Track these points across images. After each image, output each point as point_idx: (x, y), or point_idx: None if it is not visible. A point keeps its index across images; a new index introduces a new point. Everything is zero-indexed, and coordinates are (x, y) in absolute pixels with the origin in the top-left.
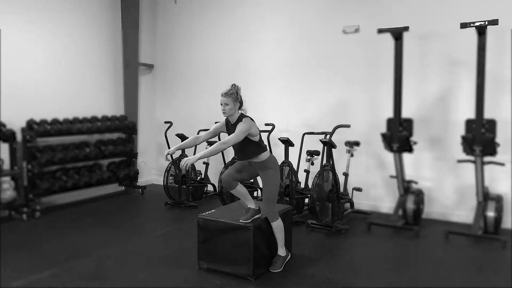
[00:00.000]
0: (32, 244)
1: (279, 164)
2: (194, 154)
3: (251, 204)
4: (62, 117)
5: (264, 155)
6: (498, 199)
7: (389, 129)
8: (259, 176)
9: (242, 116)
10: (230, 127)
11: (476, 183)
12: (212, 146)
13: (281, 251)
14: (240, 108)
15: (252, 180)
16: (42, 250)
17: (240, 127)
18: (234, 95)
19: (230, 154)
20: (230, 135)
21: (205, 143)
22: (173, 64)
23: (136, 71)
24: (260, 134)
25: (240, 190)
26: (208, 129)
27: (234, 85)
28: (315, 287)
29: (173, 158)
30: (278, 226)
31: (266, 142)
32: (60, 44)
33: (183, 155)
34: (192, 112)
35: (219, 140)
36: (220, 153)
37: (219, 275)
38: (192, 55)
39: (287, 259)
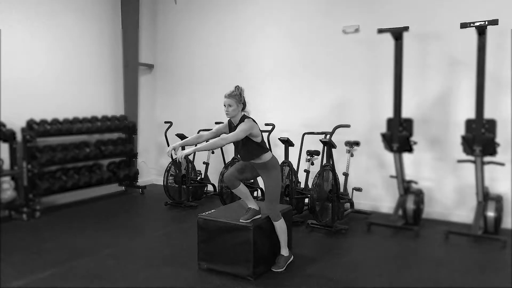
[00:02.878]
0: (32, 244)
1: (279, 164)
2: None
3: (252, 204)
4: (62, 117)
5: (266, 156)
6: (498, 199)
7: (389, 129)
8: (259, 177)
9: (244, 117)
10: (232, 128)
11: (476, 183)
12: (211, 140)
13: (284, 251)
14: (243, 109)
15: (252, 180)
16: (42, 250)
17: (241, 127)
18: (237, 97)
19: (230, 154)
20: (231, 133)
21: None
22: (173, 64)
23: (136, 71)
24: (262, 135)
25: (242, 189)
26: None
27: (237, 87)
28: (315, 287)
29: (173, 158)
30: (280, 226)
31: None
32: (60, 44)
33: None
34: (192, 112)
35: None
36: (220, 153)
37: (219, 275)
38: (192, 55)
39: (290, 260)
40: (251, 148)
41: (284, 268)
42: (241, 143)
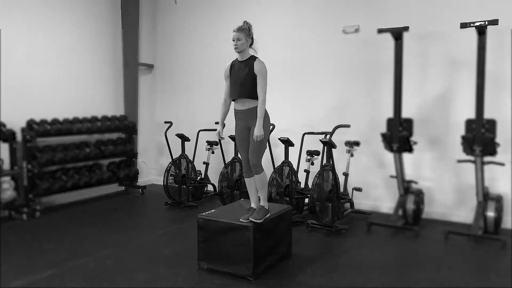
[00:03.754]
0: (32, 244)
1: (279, 164)
2: (194, 153)
3: (255, 205)
4: (62, 117)
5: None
6: (498, 199)
7: (389, 129)
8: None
9: (254, 57)
10: (237, 66)
11: (476, 183)
12: (259, 110)
13: (265, 203)
14: (251, 45)
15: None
16: (42, 250)
17: (262, 73)
18: (246, 31)
19: (230, 154)
20: (259, 90)
21: (204, 143)
22: (173, 64)
23: (136, 71)
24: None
25: (253, 183)
26: (209, 129)
27: (246, 22)
28: (315, 287)
29: (173, 158)
30: (262, 178)
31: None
32: (60, 44)
33: (182, 155)
34: (192, 112)
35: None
36: (220, 153)
37: (219, 275)
38: (192, 55)
39: (268, 214)
40: (252, 87)
41: (262, 220)
42: (246, 79)
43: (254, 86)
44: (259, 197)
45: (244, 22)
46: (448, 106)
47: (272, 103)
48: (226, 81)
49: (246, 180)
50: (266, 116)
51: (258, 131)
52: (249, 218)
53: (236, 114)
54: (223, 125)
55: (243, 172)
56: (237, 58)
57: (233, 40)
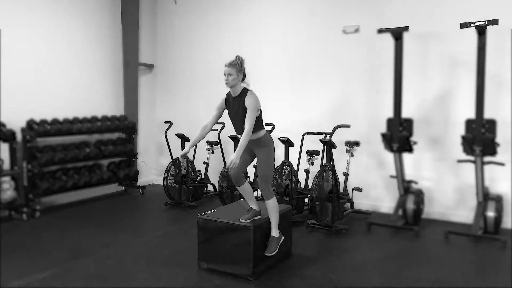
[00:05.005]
0: (32, 244)
1: (279, 164)
2: (194, 153)
3: (253, 205)
4: (62, 117)
5: (262, 132)
6: (498, 199)
7: (389, 129)
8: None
9: (246, 90)
10: (231, 101)
11: (476, 183)
12: (243, 138)
13: (275, 232)
14: (243, 80)
15: (252, 180)
16: (42, 250)
17: (250, 106)
18: (238, 66)
19: (230, 154)
20: (246, 120)
21: (205, 144)
22: (173, 64)
23: (136, 71)
24: (261, 111)
25: (246, 188)
26: None
27: (238, 56)
28: (315, 287)
29: (173, 158)
30: (273, 205)
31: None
32: (60, 44)
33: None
34: (192, 112)
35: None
36: (220, 153)
37: (219, 275)
38: (192, 55)
39: (281, 241)
40: None
41: (276, 251)
42: (240, 114)
43: None
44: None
45: (236, 57)
46: (448, 106)
47: (272, 103)
48: (215, 110)
49: (239, 189)
50: (270, 142)
51: (235, 157)
52: (265, 253)
53: None
54: (191, 147)
55: (234, 182)
56: (230, 92)
57: (224, 75)
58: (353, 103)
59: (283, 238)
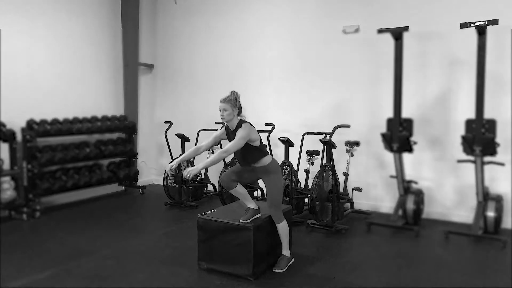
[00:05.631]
0: (32, 244)
1: (279, 164)
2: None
3: (251, 204)
4: (62, 117)
5: (266, 160)
6: (498, 199)
7: (389, 129)
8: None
9: (241, 122)
10: (230, 133)
11: (476, 183)
12: (214, 155)
13: (286, 252)
14: (239, 114)
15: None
16: (42, 250)
17: (239, 134)
18: (233, 101)
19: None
20: (230, 143)
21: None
22: (173, 64)
23: (136, 71)
24: (260, 138)
25: (239, 190)
26: (209, 129)
27: (233, 92)
28: (315, 287)
29: (173, 158)
30: (283, 228)
31: (266, 142)
32: (60, 44)
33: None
34: (192, 112)
35: (221, 147)
36: None
37: (219, 275)
38: (192, 55)
39: (291, 261)
40: (250, 153)
41: (285, 269)
42: (240, 149)
43: (251, 151)
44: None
45: (231, 92)
46: (448, 106)
47: (272, 103)
48: (213, 138)
49: (231, 192)
50: (278, 169)
51: (193, 168)
52: (273, 270)
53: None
54: (179, 163)
55: (225, 187)
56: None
57: (220, 110)
58: (353, 103)
59: (293, 260)
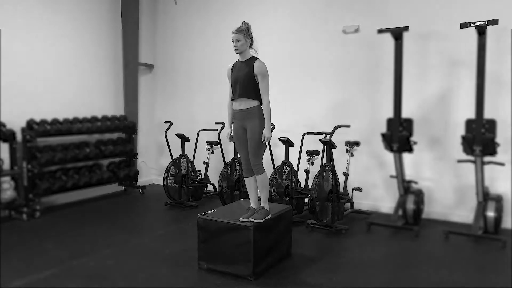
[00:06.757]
0: (32, 244)
1: (279, 164)
2: (194, 153)
3: (254, 204)
4: (62, 117)
5: (256, 103)
6: (498, 199)
7: (389, 129)
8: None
9: (254, 57)
10: (238, 66)
11: (476, 183)
12: (266, 112)
13: (265, 205)
14: (251, 45)
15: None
16: (42, 250)
17: (263, 73)
18: (245, 31)
19: (230, 154)
20: (262, 92)
21: (205, 144)
22: (173, 64)
23: (136, 71)
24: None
25: (253, 183)
26: (209, 129)
27: (244, 22)
28: (315, 287)
29: (173, 158)
30: (263, 179)
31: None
32: (60, 44)
33: (182, 155)
34: (192, 112)
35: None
36: (220, 153)
37: (219, 275)
38: (192, 55)
39: (268, 216)
40: (252, 87)
41: (262, 221)
42: (245, 77)
43: (252, 86)
44: (259, 197)
45: (242, 22)
46: (448, 106)
47: (272, 103)
48: (229, 81)
49: (246, 179)
50: (264, 117)
51: (267, 132)
52: (250, 219)
53: (233, 114)
54: (232, 126)
55: (243, 172)
56: (239, 59)
57: (233, 42)
58: (353, 103)
59: (270, 215)
